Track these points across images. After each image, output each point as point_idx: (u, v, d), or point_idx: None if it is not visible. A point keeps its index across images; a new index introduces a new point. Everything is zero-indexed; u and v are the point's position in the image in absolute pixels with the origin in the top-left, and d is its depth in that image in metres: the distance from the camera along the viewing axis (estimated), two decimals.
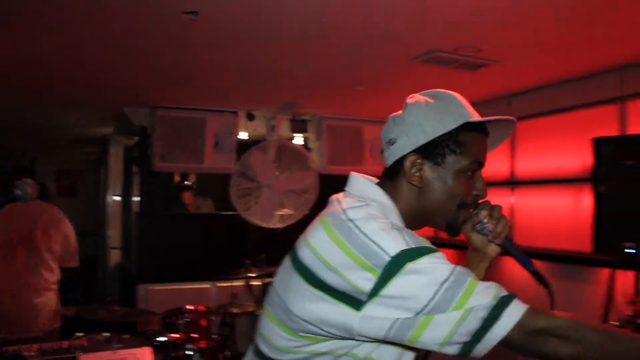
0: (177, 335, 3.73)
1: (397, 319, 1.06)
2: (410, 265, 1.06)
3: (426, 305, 1.04)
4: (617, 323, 2.50)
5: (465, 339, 1.03)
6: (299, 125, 5.27)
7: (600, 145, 3.05)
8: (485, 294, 1.04)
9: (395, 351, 1.21)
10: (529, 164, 4.25)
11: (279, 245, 1.20)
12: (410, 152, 1.25)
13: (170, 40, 3.11)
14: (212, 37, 3.05)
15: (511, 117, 1.30)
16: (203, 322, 3.97)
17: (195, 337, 3.81)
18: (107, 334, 3.22)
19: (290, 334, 1.20)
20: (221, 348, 4.05)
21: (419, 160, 1.25)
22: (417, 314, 1.05)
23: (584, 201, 3.56)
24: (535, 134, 4.20)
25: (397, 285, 1.06)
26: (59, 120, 6.21)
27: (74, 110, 5.64)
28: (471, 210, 1.30)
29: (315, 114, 5.29)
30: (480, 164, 1.26)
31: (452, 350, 1.05)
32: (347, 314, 1.09)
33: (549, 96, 4.07)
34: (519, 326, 1.02)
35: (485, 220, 1.29)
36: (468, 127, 1.24)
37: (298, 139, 5.40)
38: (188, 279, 5.15)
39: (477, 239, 1.33)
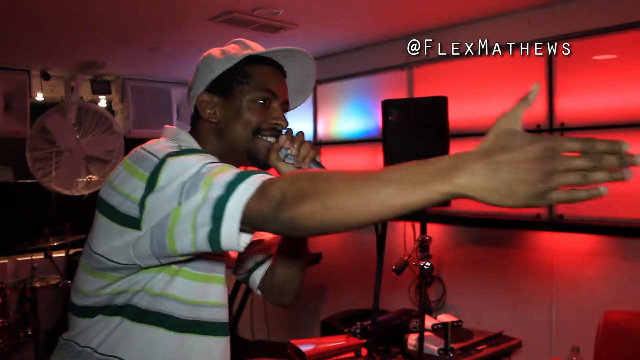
0: None
1: (156, 224, 1.06)
2: (169, 160, 1.09)
3: (175, 194, 1.02)
4: (394, 267, 2.77)
5: (207, 224, 0.95)
6: (101, 87, 4.98)
7: (387, 107, 3.29)
8: (227, 174, 0.98)
9: (192, 284, 1.24)
10: (330, 126, 4.51)
11: (86, 212, 1.17)
12: (202, 92, 1.31)
13: None
14: None
15: (297, 48, 1.35)
16: None
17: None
18: None
19: (92, 274, 1.22)
20: (22, 325, 3.80)
21: (209, 98, 1.30)
22: (170, 202, 1.02)
23: (379, 160, 3.86)
24: (335, 97, 4.45)
25: (158, 180, 1.07)
26: None
27: None
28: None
29: (119, 74, 5.04)
30: (272, 93, 1.31)
31: (203, 243, 0.97)
32: (132, 238, 1.11)
33: (347, 61, 4.31)
34: (256, 199, 0.92)
35: (286, 146, 1.27)
36: (254, 60, 1.31)
37: (101, 102, 5.12)
38: None
39: (285, 169, 1.28)
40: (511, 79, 3.36)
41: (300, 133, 1.29)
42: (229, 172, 0.99)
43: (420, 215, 3.21)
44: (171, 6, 3.14)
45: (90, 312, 1.24)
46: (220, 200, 0.94)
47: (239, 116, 1.29)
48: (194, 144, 1.29)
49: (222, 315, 1.32)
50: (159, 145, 1.17)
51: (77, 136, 4.49)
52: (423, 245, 2.36)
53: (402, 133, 3.25)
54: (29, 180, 4.70)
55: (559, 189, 0.75)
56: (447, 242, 3.69)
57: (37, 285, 4.01)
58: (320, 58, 4.49)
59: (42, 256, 4.17)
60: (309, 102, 4.61)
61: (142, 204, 1.08)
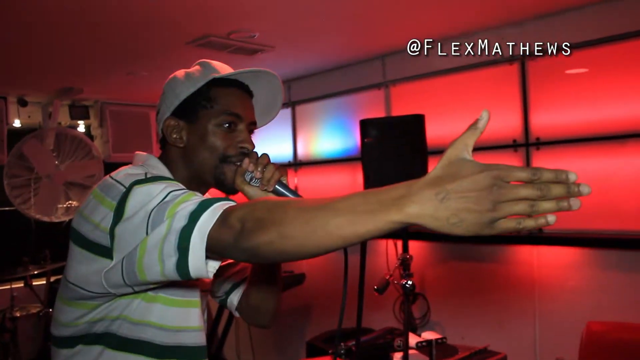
0: None
1: (126, 255, 1.06)
2: (135, 188, 1.09)
3: (142, 224, 1.03)
4: (379, 288, 2.77)
5: (174, 255, 0.96)
6: (79, 112, 4.95)
7: (365, 126, 3.32)
8: (189, 203, 0.99)
9: (171, 310, 1.25)
10: (308, 146, 4.53)
11: (67, 239, 1.19)
12: (168, 117, 1.30)
13: None
14: None
15: (262, 69, 1.33)
16: None
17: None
18: None
19: (68, 304, 1.22)
20: (2, 356, 3.74)
21: (175, 122, 1.29)
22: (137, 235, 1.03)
23: (359, 178, 3.89)
24: (313, 117, 4.48)
25: (125, 209, 1.07)
26: None
27: None
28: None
29: (98, 99, 5.02)
30: (237, 116, 1.29)
31: (172, 273, 0.98)
32: (104, 267, 1.10)
33: (324, 81, 4.34)
34: (218, 229, 0.93)
35: (250, 169, 1.25)
36: (219, 83, 1.29)
37: (80, 127, 5.09)
38: None
39: (251, 191, 1.26)
40: (486, 94, 3.41)
41: (264, 155, 1.27)
42: (192, 200, 1.00)
43: (402, 233, 3.24)
44: (148, 31, 3.15)
45: (69, 342, 1.23)
46: (183, 231, 0.95)
47: (204, 141, 1.28)
48: (162, 170, 1.29)
49: (200, 339, 1.33)
50: (124, 173, 1.17)
51: (56, 162, 4.45)
52: (404, 263, 2.38)
53: (381, 152, 3.28)
54: (7, 208, 4.64)
55: (507, 218, 0.75)
56: (429, 259, 3.71)
57: (18, 314, 3.96)
58: (297, 79, 4.53)
59: (22, 284, 4.11)
60: (288, 123, 4.63)
61: (111, 234, 1.08)
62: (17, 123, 4.84)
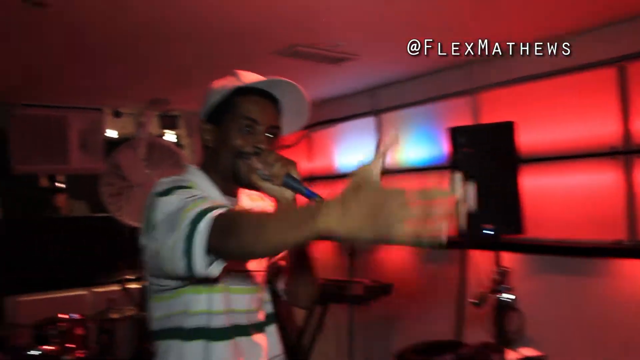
0: (50, 348, 3.57)
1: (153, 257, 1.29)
2: (157, 200, 1.30)
3: (162, 231, 1.23)
4: (476, 301, 2.69)
5: (183, 259, 1.15)
6: (169, 122, 5.15)
7: (455, 134, 3.25)
8: (194, 212, 1.17)
9: (198, 297, 1.43)
10: (395, 153, 4.42)
11: None
12: (203, 121, 1.52)
13: (18, 33, 2.93)
14: (64, 30, 2.91)
15: (280, 78, 1.47)
16: (79, 331, 3.83)
17: (71, 348, 3.66)
18: None
19: (151, 300, 1.47)
20: (101, 356, 3.93)
21: (206, 126, 1.50)
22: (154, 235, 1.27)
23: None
24: (398, 125, 4.41)
25: (151, 218, 1.29)
26: None
27: None
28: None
29: (186, 109, 5.19)
30: (255, 120, 1.45)
31: (184, 273, 1.18)
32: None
33: (410, 89, 4.27)
34: (211, 235, 1.12)
35: (259, 167, 1.39)
36: (242, 91, 1.47)
37: (170, 136, 5.28)
38: (61, 286, 4.89)
39: (266, 186, 1.41)
40: (581, 99, 3.25)
41: (272, 153, 1.41)
42: (196, 208, 1.17)
43: (494, 244, 3.14)
44: (234, 42, 3.22)
45: (158, 335, 1.47)
46: (187, 239, 1.14)
47: (226, 141, 1.46)
48: (197, 175, 1.50)
49: (257, 317, 1.57)
50: (158, 182, 1.39)
51: (147, 171, 4.63)
52: (502, 276, 2.29)
53: (470, 159, 3.21)
54: (103, 214, 4.88)
55: (404, 226, 0.86)
56: (522, 271, 3.56)
57: (114, 316, 4.14)
58: (381, 87, 4.49)
59: (118, 288, 4.29)
60: (372, 131, 4.59)
61: (143, 242, 1.34)
62: (112, 133, 5.08)
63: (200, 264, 1.13)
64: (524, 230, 3.04)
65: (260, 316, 1.59)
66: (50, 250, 4.97)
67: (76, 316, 3.84)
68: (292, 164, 1.40)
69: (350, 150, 4.86)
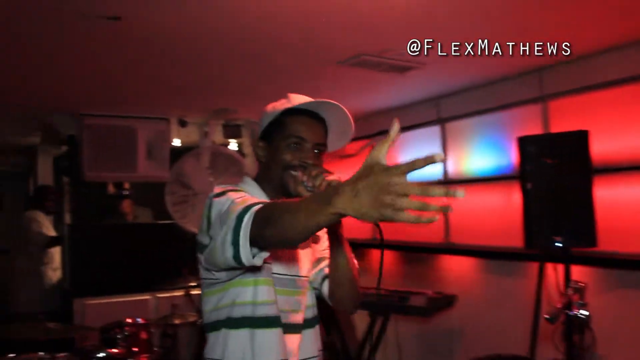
0: (116, 350, 3.65)
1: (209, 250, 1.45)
2: (214, 201, 1.49)
3: (217, 227, 1.41)
4: (550, 317, 2.60)
5: (231, 250, 1.31)
6: (232, 131, 5.24)
7: (524, 144, 3.18)
8: (239, 208, 1.33)
9: (246, 289, 1.59)
10: (461, 163, 4.38)
11: None
12: (257, 139, 1.70)
13: (94, 45, 3.05)
14: (137, 42, 3.01)
15: (325, 100, 1.60)
16: (144, 335, 3.89)
17: (136, 351, 3.74)
18: (41, 353, 3.14)
19: (204, 295, 1.68)
20: (164, 359, 3.99)
21: (259, 143, 1.70)
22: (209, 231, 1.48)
23: (515, 198, 3.71)
24: (464, 134, 4.35)
25: (210, 217, 1.49)
26: None
27: None
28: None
29: (249, 118, 5.27)
30: (302, 138, 1.62)
31: (233, 263, 1.33)
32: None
33: (476, 97, 4.20)
34: (251, 228, 1.28)
35: (304, 180, 1.55)
36: (291, 112, 1.63)
37: (232, 145, 5.36)
38: (126, 291, 5.03)
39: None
40: None
41: (314, 167, 1.58)
42: (241, 206, 1.34)
43: (564, 257, 3.03)
44: (300, 52, 3.25)
45: (209, 327, 1.66)
46: (234, 231, 1.30)
47: (276, 157, 1.64)
48: (251, 184, 1.69)
49: (294, 318, 1.70)
50: (216, 187, 1.58)
51: (211, 179, 4.72)
52: (577, 292, 2.20)
53: (541, 169, 3.12)
54: (167, 221, 4.99)
55: (406, 212, 0.99)
56: (594, 286, 3.41)
57: (177, 322, 4.21)
58: (446, 96, 4.43)
59: (181, 294, 4.37)
60: (436, 140, 4.53)
61: (202, 236, 1.55)
62: (177, 142, 5.21)
63: (245, 253, 1.29)
64: (597, 242, 2.93)
65: (298, 318, 1.72)
66: (116, 256, 5.12)
67: (141, 320, 3.92)
68: (336, 177, 1.52)
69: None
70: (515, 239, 3.53)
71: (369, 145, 5.23)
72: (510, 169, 3.87)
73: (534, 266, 3.61)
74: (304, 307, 1.75)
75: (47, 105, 4.75)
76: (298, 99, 1.66)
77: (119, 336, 3.75)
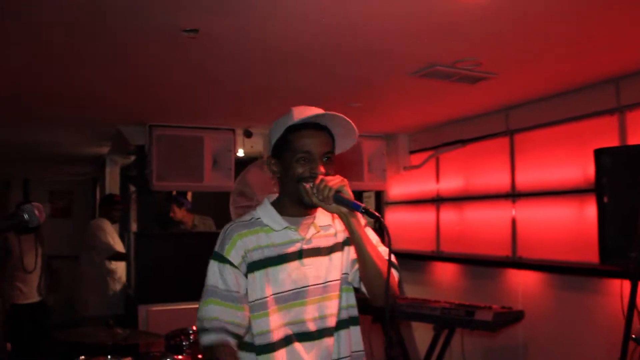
0: (182, 357, 3.69)
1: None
2: (210, 261, 1.81)
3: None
4: (635, 336, 2.47)
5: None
6: None
7: (601, 156, 3.06)
8: (199, 318, 1.76)
9: (255, 321, 1.74)
10: (530, 176, 4.25)
11: None
12: (268, 157, 1.84)
13: (167, 58, 3.12)
14: (210, 55, 3.06)
15: (323, 113, 1.71)
16: None
17: (200, 358, 3.77)
18: (109, 357, 3.21)
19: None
20: None
21: (271, 160, 1.82)
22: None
23: (588, 212, 3.57)
24: (535, 146, 4.22)
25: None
26: (53, 140, 6.16)
27: (68, 129, 5.60)
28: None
29: None
30: (309, 152, 1.72)
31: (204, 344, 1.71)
32: None
33: (547, 108, 4.09)
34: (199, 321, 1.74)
35: (313, 191, 1.68)
36: (294, 128, 1.73)
37: None
38: (190, 298, 5.08)
39: (325, 206, 1.70)
40: None
41: (320, 178, 1.68)
42: (201, 322, 1.75)
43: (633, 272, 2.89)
44: (374, 64, 3.23)
45: (243, 347, 1.79)
46: (199, 329, 1.75)
47: (288, 172, 1.76)
48: (268, 209, 1.83)
49: (325, 323, 1.82)
50: (220, 234, 1.86)
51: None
52: None
53: (619, 183, 2.99)
54: None
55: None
56: None
57: None
58: (516, 106, 4.33)
59: None
60: (505, 152, 4.42)
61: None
62: (240, 153, 5.27)
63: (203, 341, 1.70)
64: None
65: (330, 322, 1.81)
66: (179, 263, 5.19)
67: None
68: (341, 183, 1.66)
69: (479, 170, 4.70)
70: (587, 254, 3.42)
71: (432, 157, 5.16)
72: (583, 182, 3.73)
73: (608, 282, 3.47)
74: (336, 310, 1.83)
75: (118, 117, 4.91)
76: (300, 113, 1.74)
77: (184, 343, 3.79)
